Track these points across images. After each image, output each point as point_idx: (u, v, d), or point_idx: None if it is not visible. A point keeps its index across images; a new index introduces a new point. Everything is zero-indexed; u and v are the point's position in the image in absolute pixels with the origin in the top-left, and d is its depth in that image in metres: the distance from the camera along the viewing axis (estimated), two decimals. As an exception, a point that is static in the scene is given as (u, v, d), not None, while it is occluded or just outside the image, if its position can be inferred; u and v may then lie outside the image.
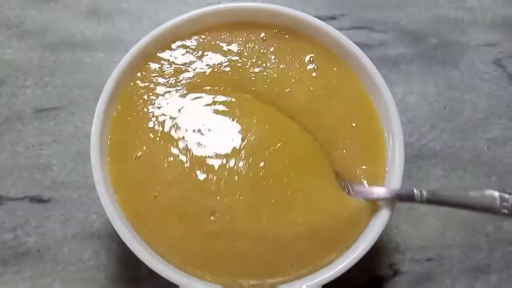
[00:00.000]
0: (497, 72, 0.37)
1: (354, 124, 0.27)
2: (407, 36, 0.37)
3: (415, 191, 0.24)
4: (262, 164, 0.25)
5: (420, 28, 0.37)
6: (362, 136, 0.26)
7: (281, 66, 0.28)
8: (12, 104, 0.33)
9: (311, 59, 0.28)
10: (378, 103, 0.27)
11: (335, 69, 0.28)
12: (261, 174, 0.25)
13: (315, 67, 0.28)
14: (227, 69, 0.28)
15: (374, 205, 0.25)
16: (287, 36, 0.28)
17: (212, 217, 0.24)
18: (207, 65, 0.28)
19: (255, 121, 0.26)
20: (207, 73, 0.27)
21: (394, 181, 0.25)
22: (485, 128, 0.34)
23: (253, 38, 0.28)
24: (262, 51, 0.28)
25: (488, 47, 0.37)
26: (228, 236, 0.24)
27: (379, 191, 0.25)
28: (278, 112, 0.26)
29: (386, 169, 0.26)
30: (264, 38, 0.28)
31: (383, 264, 0.30)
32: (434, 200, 0.24)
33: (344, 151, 0.26)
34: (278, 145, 0.25)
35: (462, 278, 0.30)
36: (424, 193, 0.24)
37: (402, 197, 0.24)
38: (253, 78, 0.27)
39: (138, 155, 0.25)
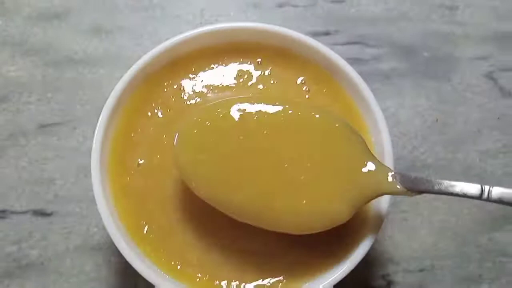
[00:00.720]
0: (489, 85, 0.37)
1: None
2: (400, 50, 0.38)
3: (483, 187, 0.23)
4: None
5: (412, 42, 0.38)
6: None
7: (277, 89, 0.29)
8: (16, 120, 0.34)
9: (303, 81, 0.29)
10: (368, 118, 0.28)
11: (325, 90, 0.29)
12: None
13: (307, 89, 0.29)
14: (225, 91, 0.29)
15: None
16: (281, 57, 0.29)
17: (210, 230, 0.25)
18: (205, 85, 0.29)
19: (264, 132, 0.26)
20: (205, 93, 0.28)
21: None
22: (476, 140, 0.35)
23: (249, 62, 0.29)
24: (258, 74, 0.29)
25: (479, 60, 0.38)
26: (228, 246, 0.25)
27: (441, 182, 0.23)
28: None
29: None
30: (259, 62, 0.29)
31: (377, 275, 0.31)
32: (502, 201, 0.22)
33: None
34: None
35: (454, 288, 0.31)
36: (492, 190, 0.23)
37: (467, 194, 0.24)
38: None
39: (138, 169, 0.26)
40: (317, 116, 0.24)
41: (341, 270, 0.24)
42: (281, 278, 0.25)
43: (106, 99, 0.27)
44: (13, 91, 0.35)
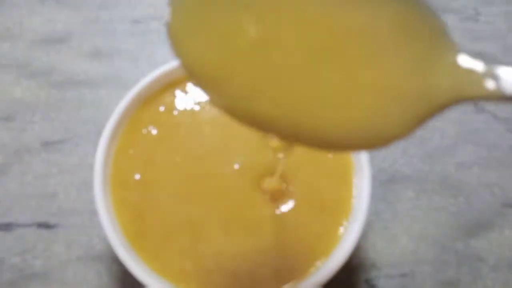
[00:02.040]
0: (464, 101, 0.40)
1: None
2: (380, 71, 0.41)
3: None
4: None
5: (392, 63, 0.41)
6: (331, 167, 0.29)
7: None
8: (21, 138, 0.36)
9: None
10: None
11: None
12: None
13: None
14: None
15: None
16: None
17: (204, 238, 0.27)
18: (198, 102, 0.31)
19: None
20: (203, 113, 0.31)
21: (362, 199, 0.28)
22: (452, 153, 0.38)
23: None
24: None
25: (455, 78, 0.41)
26: (220, 253, 0.27)
27: None
28: None
29: (353, 193, 0.29)
30: None
31: (360, 280, 0.33)
32: None
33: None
34: None
35: (434, 291, 0.33)
36: None
37: None
38: None
39: (135, 184, 0.28)
40: None
41: (327, 272, 0.26)
42: (272, 283, 0.27)
43: (106, 118, 0.29)
44: (18, 111, 0.37)
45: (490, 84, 0.16)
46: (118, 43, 0.40)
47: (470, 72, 0.16)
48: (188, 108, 0.31)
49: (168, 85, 0.31)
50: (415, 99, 0.16)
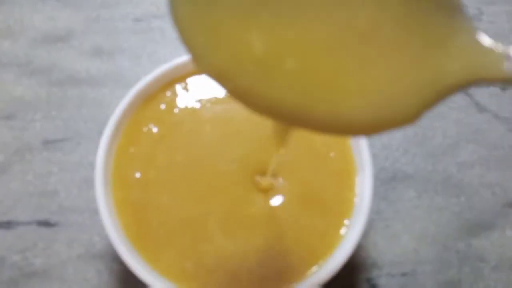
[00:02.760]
0: (465, 101, 0.40)
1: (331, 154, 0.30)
2: (382, 70, 0.41)
3: None
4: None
5: (394, 62, 0.41)
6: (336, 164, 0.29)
7: None
8: (22, 136, 0.36)
9: None
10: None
11: None
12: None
13: None
14: (219, 104, 0.31)
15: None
16: None
17: (210, 238, 0.27)
18: (199, 99, 0.31)
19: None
20: (204, 111, 0.31)
21: (364, 198, 0.28)
22: (454, 152, 0.38)
23: None
24: None
25: (456, 78, 0.41)
26: (220, 253, 0.27)
27: None
28: None
29: (355, 192, 0.29)
30: None
31: (361, 279, 0.33)
32: None
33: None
34: None
35: (435, 291, 0.33)
36: None
37: None
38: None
39: (136, 182, 0.28)
40: None
41: (328, 272, 0.26)
42: (273, 282, 0.27)
43: (108, 116, 0.29)
44: (19, 109, 0.37)
45: (508, 66, 0.15)
46: (120, 41, 0.40)
47: (489, 51, 0.15)
48: (189, 106, 0.31)
49: (169, 83, 0.31)
50: (432, 77, 0.15)
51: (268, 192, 0.29)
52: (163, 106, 0.31)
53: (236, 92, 0.15)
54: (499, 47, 0.16)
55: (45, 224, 0.33)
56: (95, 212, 0.33)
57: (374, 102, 0.15)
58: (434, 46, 0.15)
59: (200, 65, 0.15)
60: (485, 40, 0.16)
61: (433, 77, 0.15)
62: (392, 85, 0.15)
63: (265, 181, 0.28)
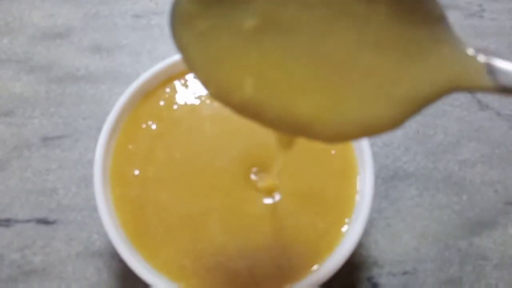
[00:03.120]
0: (467, 98, 0.40)
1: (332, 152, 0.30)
2: (383, 67, 0.40)
3: None
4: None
5: (395, 59, 0.41)
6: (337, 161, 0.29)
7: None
8: (21, 133, 0.36)
9: None
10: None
11: None
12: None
13: None
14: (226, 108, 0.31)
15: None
16: None
17: (209, 235, 0.27)
18: (198, 96, 0.31)
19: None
20: (203, 108, 0.31)
21: (365, 196, 0.28)
22: (456, 150, 0.37)
23: None
24: None
25: (458, 75, 0.41)
26: (219, 250, 0.27)
27: None
28: None
29: (356, 190, 0.28)
30: None
31: (362, 278, 0.32)
32: None
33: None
34: None
35: (436, 290, 0.33)
36: None
37: None
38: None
39: (135, 180, 0.28)
40: None
41: (329, 270, 0.26)
42: (273, 280, 0.26)
43: (107, 113, 0.29)
44: (18, 106, 0.37)
45: (489, 76, 0.16)
46: (119, 38, 0.40)
47: (470, 61, 0.16)
48: (189, 102, 0.31)
49: (168, 79, 0.31)
50: (416, 86, 0.16)
51: (271, 192, 0.28)
52: (162, 103, 0.30)
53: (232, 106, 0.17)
54: (481, 57, 0.16)
55: (44, 222, 0.33)
56: (94, 209, 0.33)
57: (358, 116, 0.16)
58: (414, 59, 0.16)
59: (205, 88, 0.17)
60: (467, 49, 0.16)
61: (411, 88, 0.16)
62: (372, 102, 0.17)
63: (266, 182, 0.28)
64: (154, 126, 0.30)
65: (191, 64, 0.17)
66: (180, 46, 0.17)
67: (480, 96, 0.40)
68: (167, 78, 0.31)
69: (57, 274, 0.31)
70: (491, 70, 0.16)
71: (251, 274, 0.26)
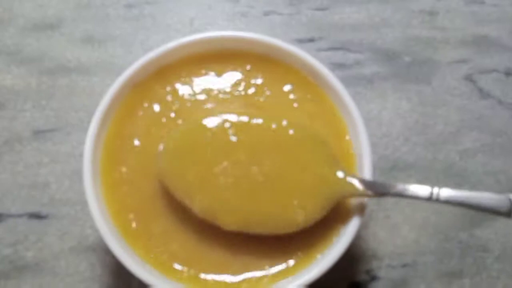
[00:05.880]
0: (468, 87, 0.39)
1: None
2: (382, 55, 0.39)
3: (432, 190, 0.25)
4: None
5: (394, 47, 0.40)
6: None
7: (265, 96, 0.30)
8: (12, 127, 0.35)
9: (291, 89, 0.30)
10: (348, 122, 0.29)
11: (309, 96, 0.30)
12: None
13: (294, 98, 0.30)
14: (212, 98, 0.30)
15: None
16: (268, 65, 0.31)
17: (197, 228, 0.26)
18: (192, 92, 0.30)
19: (242, 146, 0.27)
20: (190, 99, 0.30)
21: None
22: (456, 140, 0.37)
23: (237, 69, 0.31)
24: (247, 82, 0.30)
25: (459, 63, 0.40)
26: (215, 243, 0.26)
27: (396, 185, 0.25)
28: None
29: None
30: (248, 69, 0.31)
31: (361, 271, 0.32)
32: (450, 202, 0.25)
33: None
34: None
35: (436, 283, 0.32)
36: (442, 193, 0.25)
37: (419, 197, 0.25)
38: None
39: (125, 173, 0.27)
40: (291, 131, 0.27)
41: (324, 264, 0.25)
42: (266, 272, 0.26)
43: (99, 105, 0.28)
44: (8, 98, 0.36)
45: (358, 188, 0.26)
46: (111, 28, 0.39)
47: (347, 182, 0.26)
48: (185, 96, 0.30)
49: (162, 70, 0.30)
50: (313, 201, 0.26)
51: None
52: (153, 93, 0.30)
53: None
54: (349, 177, 0.26)
55: (36, 216, 0.32)
56: (87, 204, 0.32)
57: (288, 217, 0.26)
58: (318, 182, 0.26)
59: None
60: (343, 174, 0.26)
61: (322, 199, 0.26)
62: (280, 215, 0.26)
63: None
64: (145, 117, 0.29)
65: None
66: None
67: (481, 84, 0.39)
68: (159, 68, 0.30)
69: (50, 269, 0.31)
70: (364, 185, 0.26)
71: (245, 266, 0.26)
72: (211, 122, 0.27)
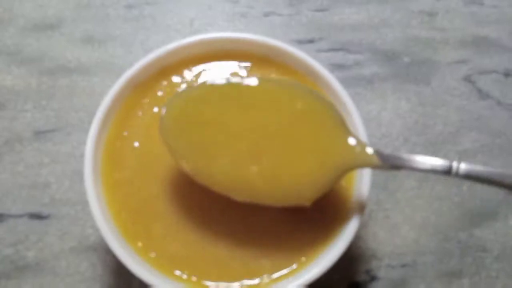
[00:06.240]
0: (467, 87, 0.39)
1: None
2: (381, 56, 0.40)
3: (453, 164, 0.23)
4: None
5: (393, 48, 0.40)
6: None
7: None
8: (13, 127, 0.35)
9: None
10: (348, 122, 0.29)
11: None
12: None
13: None
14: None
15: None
16: (268, 65, 0.31)
17: (197, 229, 0.26)
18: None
19: (244, 107, 0.26)
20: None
21: (362, 187, 0.27)
22: (455, 140, 0.37)
23: (237, 69, 0.31)
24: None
25: (458, 64, 0.40)
26: (214, 245, 0.26)
27: (412, 158, 0.24)
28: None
29: (354, 181, 0.28)
30: (248, 69, 0.31)
31: (361, 271, 0.32)
32: (472, 177, 0.23)
33: None
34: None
35: (436, 283, 0.32)
36: (462, 166, 0.23)
37: (437, 170, 0.24)
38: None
39: (128, 173, 0.27)
40: (296, 91, 0.25)
41: (324, 264, 0.25)
42: (266, 272, 0.26)
43: (99, 106, 0.28)
44: (9, 99, 0.36)
45: (374, 158, 0.24)
46: (111, 28, 0.39)
47: (360, 150, 0.24)
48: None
49: (162, 71, 0.30)
50: (322, 170, 0.24)
51: None
52: (160, 93, 0.30)
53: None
54: (362, 143, 0.24)
55: (37, 216, 0.32)
56: (87, 204, 0.32)
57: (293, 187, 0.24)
58: (325, 149, 0.24)
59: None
60: (353, 140, 0.24)
61: (327, 168, 0.24)
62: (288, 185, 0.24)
63: None
64: (146, 118, 0.29)
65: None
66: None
67: (480, 84, 0.39)
68: (160, 69, 0.30)
69: (51, 269, 0.31)
70: (378, 155, 0.24)
71: (244, 266, 0.26)
72: (217, 84, 0.26)
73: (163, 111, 0.26)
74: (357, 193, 0.27)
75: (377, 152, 0.24)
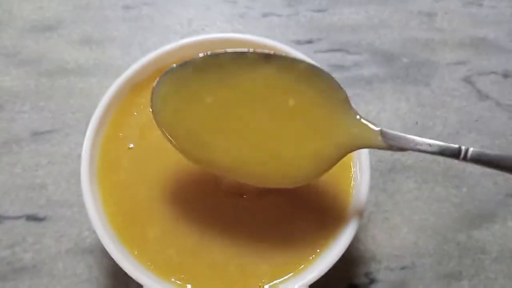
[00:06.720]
0: (467, 88, 0.39)
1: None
2: (380, 57, 0.39)
3: (462, 147, 0.23)
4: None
5: (392, 48, 0.40)
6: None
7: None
8: (10, 128, 0.35)
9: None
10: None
11: None
12: None
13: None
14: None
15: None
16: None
17: (193, 232, 0.26)
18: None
19: (244, 85, 0.24)
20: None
21: (361, 189, 0.27)
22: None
23: None
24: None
25: (457, 65, 0.40)
26: (210, 248, 0.26)
27: (420, 140, 0.23)
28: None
29: (352, 183, 0.28)
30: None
31: (360, 273, 0.32)
32: (480, 160, 0.23)
33: None
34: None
35: (435, 285, 0.32)
36: (470, 150, 0.23)
37: (445, 152, 0.23)
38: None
39: (125, 176, 0.27)
40: (300, 66, 0.24)
41: (322, 267, 0.25)
42: (264, 275, 0.26)
43: (97, 107, 0.28)
44: (7, 100, 0.36)
45: (379, 138, 0.23)
46: (109, 30, 0.39)
47: (365, 128, 0.23)
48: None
49: (158, 71, 0.30)
50: (326, 146, 0.23)
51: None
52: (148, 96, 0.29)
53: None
54: (369, 123, 0.23)
55: (34, 218, 0.32)
56: (84, 206, 0.32)
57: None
58: (329, 128, 0.23)
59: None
60: (362, 120, 0.23)
61: (331, 146, 0.23)
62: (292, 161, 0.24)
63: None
64: (143, 119, 0.29)
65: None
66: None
67: (479, 85, 0.39)
68: (157, 69, 0.30)
69: (48, 271, 0.31)
70: (383, 135, 0.23)
71: (241, 269, 0.26)
72: (210, 60, 0.24)
73: (155, 86, 0.24)
74: (356, 195, 0.27)
75: (382, 131, 0.23)
